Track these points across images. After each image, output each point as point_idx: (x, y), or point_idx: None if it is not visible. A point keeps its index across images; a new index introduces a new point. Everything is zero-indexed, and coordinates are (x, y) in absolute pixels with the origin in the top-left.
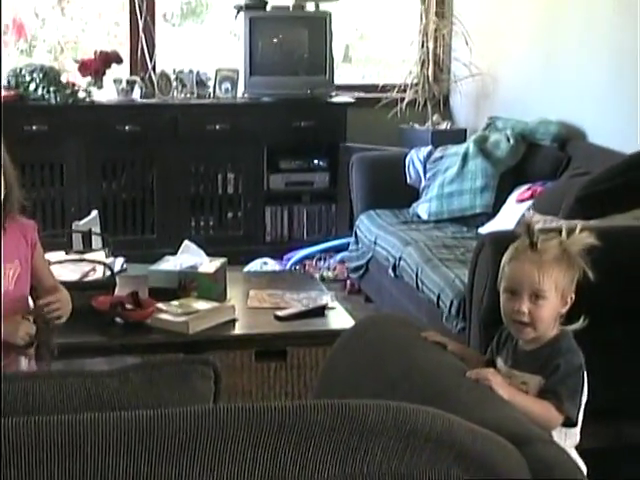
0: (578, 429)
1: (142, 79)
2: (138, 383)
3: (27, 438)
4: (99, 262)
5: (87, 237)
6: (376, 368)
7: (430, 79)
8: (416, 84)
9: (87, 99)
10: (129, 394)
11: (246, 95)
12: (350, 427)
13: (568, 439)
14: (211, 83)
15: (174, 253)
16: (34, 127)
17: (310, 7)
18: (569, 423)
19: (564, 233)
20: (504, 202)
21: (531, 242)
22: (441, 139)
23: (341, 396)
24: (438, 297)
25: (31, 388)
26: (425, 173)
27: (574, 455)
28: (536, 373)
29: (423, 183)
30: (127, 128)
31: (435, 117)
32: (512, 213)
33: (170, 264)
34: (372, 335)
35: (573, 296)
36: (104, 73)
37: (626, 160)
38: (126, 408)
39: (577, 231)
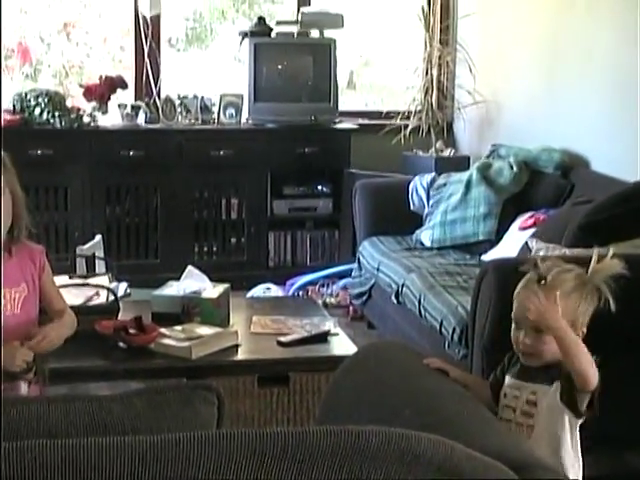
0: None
1: (147, 104)
2: (141, 408)
3: (32, 462)
4: (102, 287)
5: (91, 261)
6: (378, 394)
7: (434, 106)
8: (420, 111)
9: (92, 124)
10: (133, 419)
11: (250, 121)
12: (352, 453)
13: (574, 432)
14: (215, 109)
15: (177, 278)
16: (39, 151)
17: (315, 34)
18: (580, 413)
19: (594, 259)
20: (507, 229)
21: (539, 277)
22: (444, 166)
23: (343, 422)
24: (441, 324)
25: (36, 412)
26: (428, 200)
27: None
28: (547, 383)
29: (426, 210)
30: (131, 153)
31: (439, 144)
32: (515, 240)
33: (173, 289)
34: (374, 362)
35: (585, 330)
36: (109, 98)
37: (628, 188)
38: (129, 433)
39: (608, 257)
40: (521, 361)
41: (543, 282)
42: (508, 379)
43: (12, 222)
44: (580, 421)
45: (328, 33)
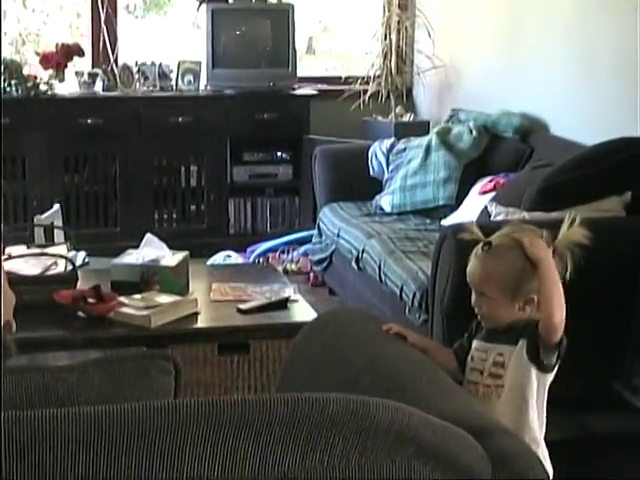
0: (549, 380)
1: (104, 72)
2: (98, 378)
3: None
4: (61, 256)
5: (49, 231)
6: (337, 361)
7: (393, 71)
8: (379, 76)
9: (49, 92)
10: (89, 389)
11: (209, 88)
12: (310, 420)
13: (542, 388)
14: (174, 75)
15: (137, 246)
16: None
17: None
18: (545, 367)
19: (564, 225)
20: (467, 194)
21: (483, 243)
22: (404, 131)
23: (303, 389)
24: (401, 289)
25: None
26: (388, 165)
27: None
28: (514, 343)
29: (386, 175)
30: (89, 121)
31: (398, 109)
32: (475, 205)
33: (132, 258)
34: (333, 328)
35: (534, 297)
36: (66, 66)
37: (587, 152)
38: (85, 403)
39: (576, 224)
40: (485, 326)
41: (487, 247)
42: (475, 342)
43: None
44: (549, 377)
45: None
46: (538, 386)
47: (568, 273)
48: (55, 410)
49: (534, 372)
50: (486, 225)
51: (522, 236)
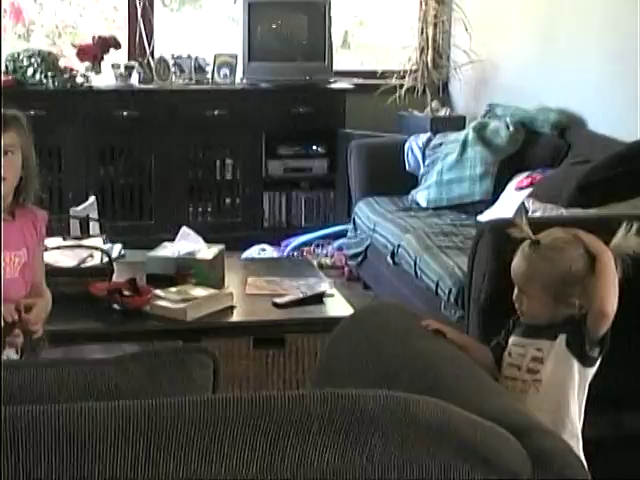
0: (591, 375)
1: (140, 64)
2: (136, 372)
3: (26, 427)
4: (97, 248)
5: (85, 223)
6: (375, 357)
7: (429, 66)
8: (415, 71)
9: (85, 84)
10: (127, 383)
11: (244, 81)
12: (350, 417)
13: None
14: (209, 69)
15: (172, 239)
16: (32, 112)
17: None
18: (588, 360)
19: (621, 231)
20: (503, 189)
21: (531, 240)
22: (440, 126)
23: (340, 384)
24: (437, 285)
25: (29, 377)
26: (424, 160)
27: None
28: (553, 339)
29: (422, 170)
30: (125, 114)
31: (434, 104)
32: (511, 201)
33: (168, 251)
34: (371, 324)
35: (576, 301)
36: (102, 58)
37: (626, 148)
38: (124, 397)
39: (632, 232)
40: (524, 321)
41: (534, 246)
42: (513, 338)
43: (20, 185)
44: (591, 372)
45: None
46: (580, 380)
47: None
48: (94, 403)
49: (576, 366)
50: (536, 222)
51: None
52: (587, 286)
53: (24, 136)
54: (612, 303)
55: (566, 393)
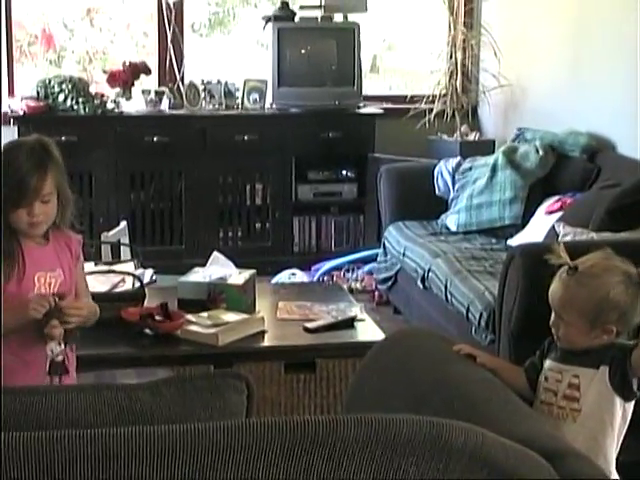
0: (631, 409)
1: (170, 90)
2: (171, 397)
3: (61, 452)
4: (128, 273)
5: (116, 248)
6: (407, 381)
7: (458, 90)
8: (444, 95)
9: (116, 110)
10: (162, 408)
11: (274, 106)
12: (383, 442)
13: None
14: (239, 94)
15: (202, 264)
16: (63, 138)
17: (338, 18)
18: (630, 396)
19: None
20: (533, 214)
21: (569, 266)
22: (469, 150)
23: (372, 409)
24: (467, 309)
25: (65, 401)
26: (454, 184)
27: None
28: (591, 367)
29: (452, 194)
30: (155, 139)
31: (463, 128)
32: (541, 225)
33: (199, 275)
34: (403, 348)
35: (613, 328)
36: (132, 84)
37: None
38: (159, 422)
39: None
40: (560, 346)
41: (572, 272)
42: (549, 362)
43: (60, 210)
44: (632, 403)
45: (352, 17)
46: (621, 415)
47: None
48: (129, 428)
49: (618, 401)
50: (572, 247)
51: (612, 263)
52: (628, 315)
53: (58, 169)
54: None
55: (605, 428)
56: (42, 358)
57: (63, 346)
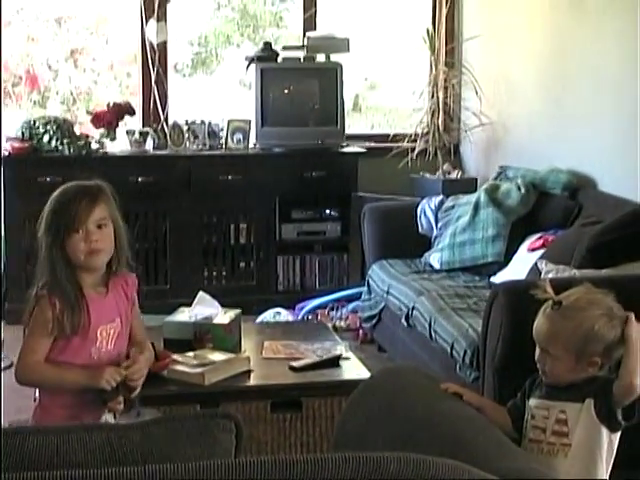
0: (617, 439)
1: (154, 130)
2: (160, 437)
3: None
4: None
5: None
6: (394, 419)
7: (440, 128)
8: (426, 133)
9: (100, 151)
10: (152, 448)
11: (258, 146)
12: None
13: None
14: (223, 134)
15: (188, 303)
16: (48, 179)
17: (320, 58)
18: (616, 426)
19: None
20: (516, 251)
21: (553, 301)
22: (452, 188)
23: (359, 447)
24: (452, 347)
25: (55, 442)
26: (437, 222)
27: None
28: (576, 401)
29: (435, 232)
30: (140, 179)
31: (446, 166)
32: (524, 262)
33: (185, 315)
34: (389, 386)
35: (598, 360)
36: (117, 125)
37: (637, 209)
38: (149, 462)
39: None
40: (545, 382)
41: (557, 307)
42: (534, 401)
43: (112, 255)
44: (618, 433)
45: (334, 57)
46: (608, 445)
47: None
48: (120, 468)
49: (604, 432)
50: (555, 283)
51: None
52: (612, 347)
53: (112, 206)
54: (635, 385)
55: (595, 460)
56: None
57: (116, 419)
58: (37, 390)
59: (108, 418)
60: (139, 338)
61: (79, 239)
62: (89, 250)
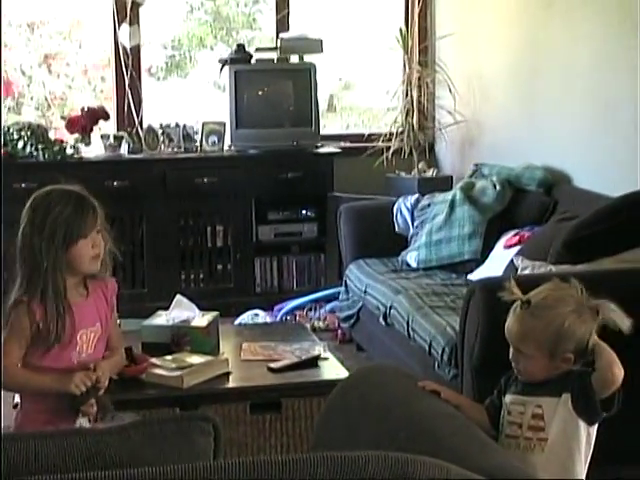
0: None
1: (129, 134)
2: (139, 440)
3: None
4: None
5: None
6: (372, 418)
7: (415, 127)
8: (401, 132)
9: (75, 156)
10: (130, 452)
11: (233, 148)
12: (350, 479)
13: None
14: (198, 137)
15: (165, 307)
16: (23, 185)
17: (294, 59)
18: (594, 420)
19: (608, 308)
20: (492, 248)
21: (521, 301)
22: (428, 187)
23: (338, 447)
24: (430, 345)
25: (34, 448)
26: (413, 221)
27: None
28: (552, 395)
29: (411, 231)
30: (115, 184)
31: (421, 165)
32: (500, 259)
33: (163, 319)
34: (367, 385)
35: (571, 356)
36: (91, 129)
37: (612, 203)
38: (127, 466)
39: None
40: (521, 379)
41: (526, 306)
42: (510, 397)
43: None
44: (595, 427)
45: (308, 58)
46: (586, 439)
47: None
48: (99, 473)
49: (582, 426)
50: (525, 280)
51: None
52: (584, 342)
53: (99, 215)
54: (620, 369)
55: (572, 454)
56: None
57: (91, 423)
58: (18, 396)
59: (82, 422)
60: (114, 344)
61: (86, 245)
62: (94, 255)
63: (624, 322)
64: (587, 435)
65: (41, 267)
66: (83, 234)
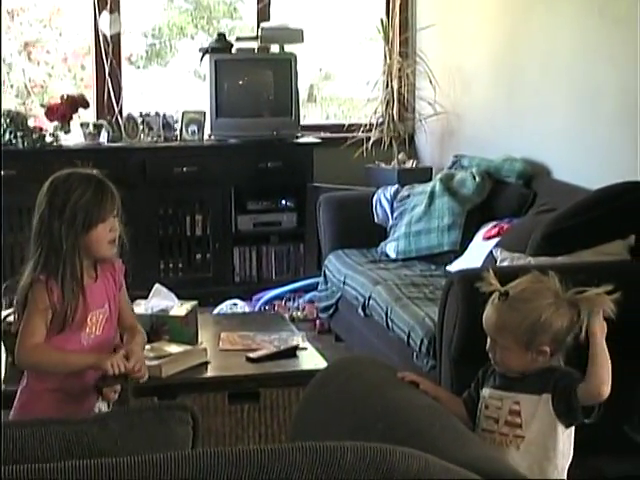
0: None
1: (109, 123)
2: (117, 430)
3: None
4: None
5: None
6: (351, 409)
7: (395, 118)
8: (381, 123)
9: (54, 144)
10: (109, 441)
11: (213, 137)
12: (328, 469)
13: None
14: (178, 126)
15: (144, 296)
16: (2, 172)
17: (275, 49)
18: (573, 423)
19: (599, 290)
20: (471, 239)
21: (499, 293)
22: (407, 178)
23: (316, 437)
24: (408, 335)
25: (12, 437)
26: (392, 212)
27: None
28: (531, 393)
29: (390, 222)
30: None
31: (401, 156)
32: (479, 250)
33: (141, 308)
34: (346, 376)
35: (547, 349)
36: (71, 117)
37: (591, 196)
38: (106, 455)
39: (610, 297)
40: (498, 371)
41: (504, 297)
42: (487, 390)
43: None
44: (572, 428)
45: (288, 48)
46: (566, 439)
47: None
48: (77, 462)
49: (560, 428)
50: (503, 272)
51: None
52: (560, 335)
53: (116, 198)
54: (606, 386)
55: (548, 455)
56: (84, 411)
57: (109, 408)
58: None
59: (101, 407)
60: (129, 322)
61: (104, 229)
62: (112, 239)
63: (608, 307)
64: (568, 434)
65: (60, 250)
66: (102, 218)
